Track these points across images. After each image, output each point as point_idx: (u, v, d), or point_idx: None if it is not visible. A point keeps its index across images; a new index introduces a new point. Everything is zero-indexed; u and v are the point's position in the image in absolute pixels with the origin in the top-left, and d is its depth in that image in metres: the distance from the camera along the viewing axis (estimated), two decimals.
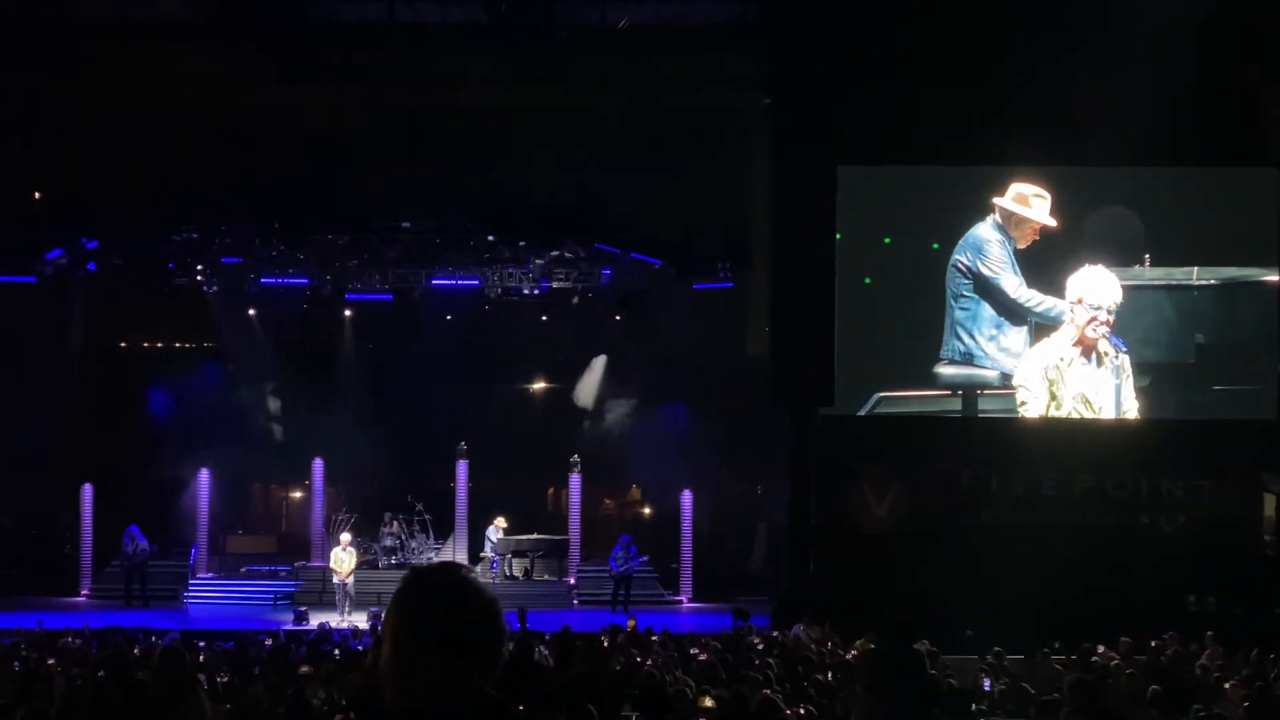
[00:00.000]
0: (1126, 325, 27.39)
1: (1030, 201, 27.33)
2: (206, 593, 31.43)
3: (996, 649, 19.39)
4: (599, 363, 33.64)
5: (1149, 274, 27.52)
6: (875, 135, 27.49)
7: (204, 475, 32.45)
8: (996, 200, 27.46)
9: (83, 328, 35.13)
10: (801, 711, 12.99)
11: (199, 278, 32.72)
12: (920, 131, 27.33)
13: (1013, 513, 27.54)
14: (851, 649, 20.32)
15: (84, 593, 31.74)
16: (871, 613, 21.87)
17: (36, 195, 31.88)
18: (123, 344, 36.37)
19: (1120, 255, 27.44)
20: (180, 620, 27.66)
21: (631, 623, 23.43)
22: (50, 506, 33.23)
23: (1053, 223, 27.24)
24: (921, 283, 27.91)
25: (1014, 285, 27.47)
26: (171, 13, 28.73)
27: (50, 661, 17.89)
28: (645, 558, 31.02)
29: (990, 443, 27.97)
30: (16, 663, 17.74)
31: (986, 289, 27.60)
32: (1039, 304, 27.46)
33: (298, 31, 28.32)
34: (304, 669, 16.61)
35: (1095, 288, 27.19)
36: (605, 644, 20.60)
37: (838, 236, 27.61)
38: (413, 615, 4.14)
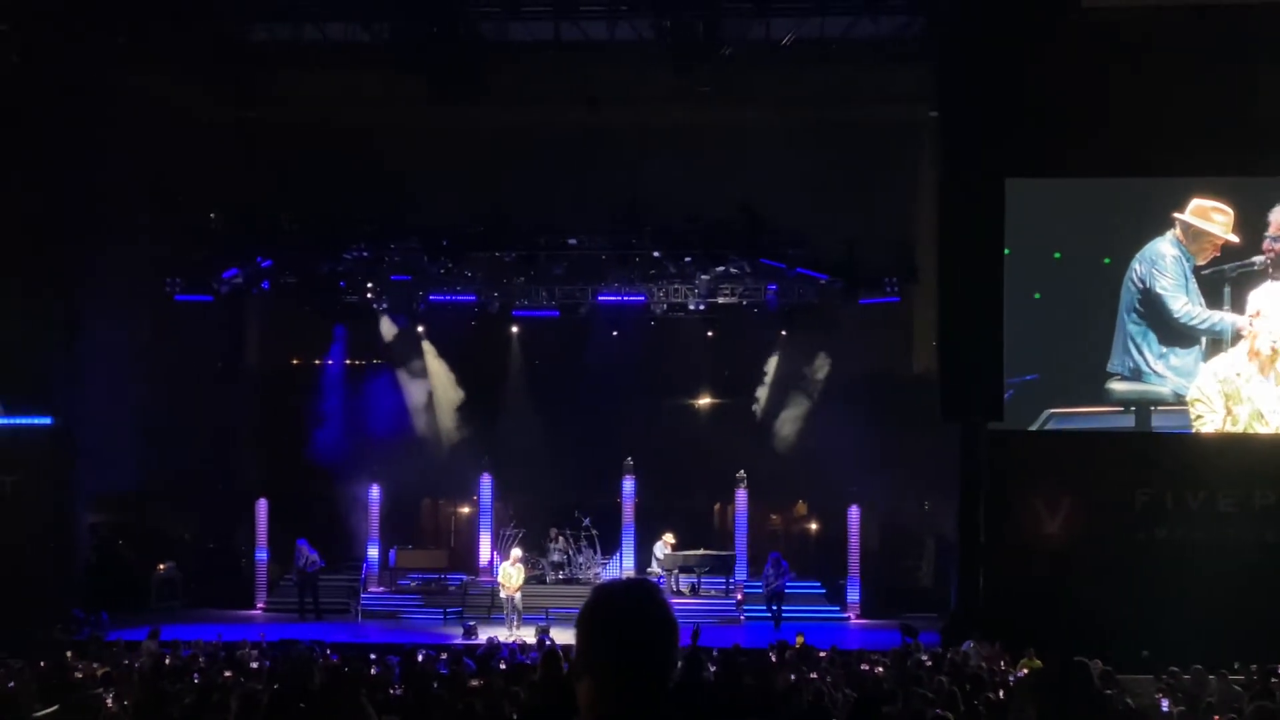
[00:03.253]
0: None
1: (1211, 216, 26.78)
2: (378, 607, 31.78)
3: (1173, 669, 19.04)
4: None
5: None
6: (1044, 147, 27.03)
7: (374, 490, 32.90)
8: (1176, 215, 26.95)
9: (257, 345, 35.88)
10: None
11: (369, 295, 33.28)
12: (1090, 143, 26.83)
13: (1189, 530, 26.94)
14: (1021, 667, 20.08)
15: (260, 605, 32.32)
16: (1043, 631, 21.61)
17: (213, 216, 32.60)
18: (295, 360, 37.05)
19: None
20: (352, 634, 28.05)
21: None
22: (227, 520, 33.89)
23: (1235, 239, 26.69)
24: (1093, 298, 27.46)
25: (1180, 304, 26.94)
26: (344, 37, 29.17)
27: (227, 674, 18.25)
28: (794, 574, 30.77)
29: (1164, 458, 27.38)
30: (195, 674, 18.11)
31: (1156, 307, 27.11)
32: (1204, 321, 26.90)
33: (466, 52, 28.63)
34: (473, 683, 16.78)
35: (1276, 303, 26.61)
36: (773, 660, 20.60)
37: (1006, 251, 27.25)
38: (585, 628, 4.17)
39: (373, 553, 32.95)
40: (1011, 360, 27.23)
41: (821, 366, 33.20)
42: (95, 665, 19.01)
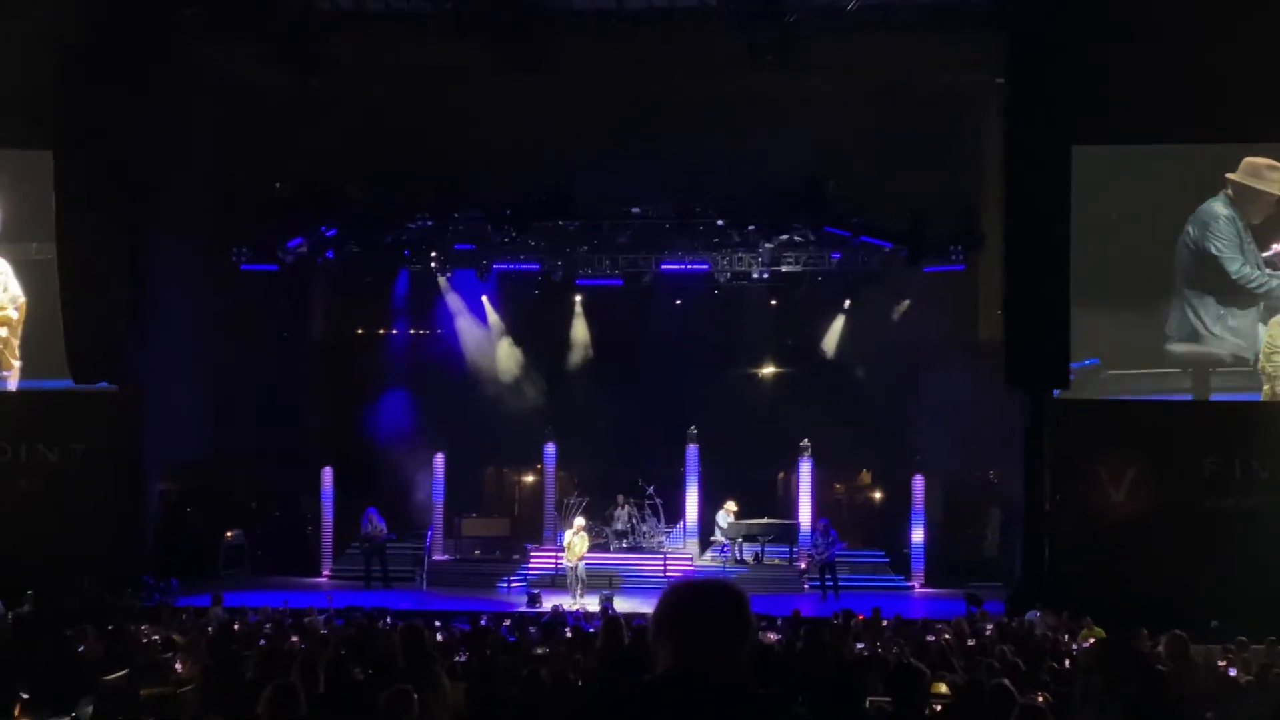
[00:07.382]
0: None
1: (1264, 174, 26.51)
2: (442, 575, 31.91)
3: (1241, 639, 18.88)
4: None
5: None
6: (1110, 114, 26.76)
7: (439, 459, 33.03)
8: (1227, 175, 26.71)
9: (321, 314, 36.05)
10: (1039, 699, 12.78)
11: (433, 264, 33.39)
12: (1156, 109, 26.56)
13: (1258, 499, 26.70)
14: (1084, 637, 19.97)
15: (325, 573, 32.54)
16: (1109, 600, 21.51)
17: (277, 185, 32.72)
18: (359, 329, 37.20)
19: None
20: (417, 601, 28.18)
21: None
22: (293, 489, 34.15)
23: None
24: (1157, 264, 27.25)
25: (1237, 265, 26.74)
26: (407, 5, 29.14)
27: (294, 639, 18.37)
28: (845, 544, 30.62)
29: (1232, 426, 27.17)
30: (262, 640, 18.24)
31: (1212, 269, 26.93)
32: (1264, 284, 26.66)
33: (529, 21, 28.56)
34: (538, 650, 16.83)
35: None
36: (837, 629, 20.55)
37: (1071, 217, 27.03)
38: (660, 627, 4.22)
39: (437, 521, 33.11)
40: (1077, 327, 27.04)
41: (886, 334, 33.03)
42: (164, 630, 19.19)
